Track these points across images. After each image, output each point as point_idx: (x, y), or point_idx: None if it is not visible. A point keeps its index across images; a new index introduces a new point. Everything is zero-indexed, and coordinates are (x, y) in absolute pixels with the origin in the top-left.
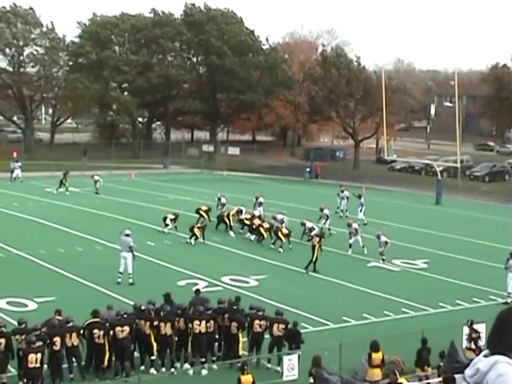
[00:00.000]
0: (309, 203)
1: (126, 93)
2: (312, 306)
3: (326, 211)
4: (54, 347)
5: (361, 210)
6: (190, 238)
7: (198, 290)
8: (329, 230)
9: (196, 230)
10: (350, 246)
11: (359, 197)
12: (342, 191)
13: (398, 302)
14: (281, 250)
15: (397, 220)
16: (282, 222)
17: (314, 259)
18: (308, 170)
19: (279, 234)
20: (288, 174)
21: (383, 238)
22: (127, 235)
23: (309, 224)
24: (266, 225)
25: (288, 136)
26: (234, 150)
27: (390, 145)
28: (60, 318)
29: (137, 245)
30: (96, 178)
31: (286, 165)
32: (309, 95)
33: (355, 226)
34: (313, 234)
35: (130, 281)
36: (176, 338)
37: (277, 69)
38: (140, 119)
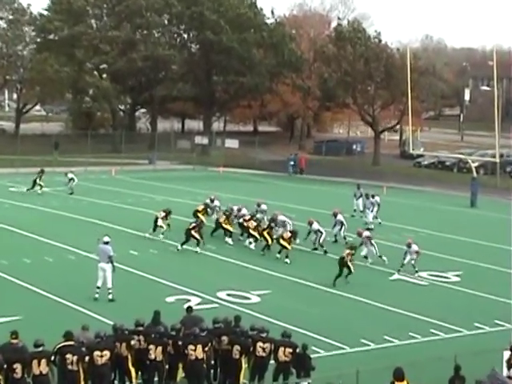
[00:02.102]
0: (299, 202)
1: (104, 76)
2: (324, 326)
3: (339, 217)
4: (15, 375)
5: (372, 211)
6: (183, 244)
7: (189, 308)
8: (344, 238)
9: (194, 233)
10: (366, 257)
11: (371, 196)
12: (359, 188)
13: (425, 322)
14: (287, 260)
15: (424, 225)
16: (283, 225)
17: (344, 273)
18: (292, 163)
19: (281, 241)
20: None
21: (414, 247)
22: (106, 243)
23: (315, 226)
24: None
25: (296, 126)
26: (231, 143)
27: (416, 136)
28: (16, 341)
29: (117, 254)
30: (70, 175)
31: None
32: (320, 78)
33: (366, 233)
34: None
35: (110, 297)
36: (167, 366)
37: (283, 47)
38: (121, 107)
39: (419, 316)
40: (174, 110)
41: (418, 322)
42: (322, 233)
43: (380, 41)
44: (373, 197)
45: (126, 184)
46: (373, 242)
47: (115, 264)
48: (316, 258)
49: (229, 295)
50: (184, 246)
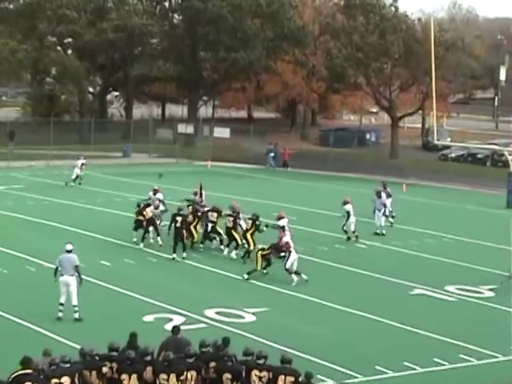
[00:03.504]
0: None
1: (69, 51)
2: (332, 350)
3: (347, 207)
4: None
5: (384, 213)
6: (174, 250)
7: (175, 328)
8: (355, 235)
9: (192, 230)
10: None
11: (378, 195)
12: (385, 187)
13: (453, 345)
14: (295, 278)
15: (450, 229)
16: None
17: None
18: (272, 155)
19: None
20: (297, 166)
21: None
22: (69, 251)
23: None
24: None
25: (298, 112)
26: (222, 132)
27: (441, 124)
28: None
29: (86, 265)
30: (80, 162)
31: (294, 152)
32: (327, 54)
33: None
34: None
35: (76, 315)
36: None
37: (282, 17)
38: (90, 89)
39: (446, 338)
40: (153, 93)
41: (444, 345)
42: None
43: (397, 9)
44: (380, 196)
45: (95, 181)
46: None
47: (83, 277)
48: (321, 268)
49: (218, 313)
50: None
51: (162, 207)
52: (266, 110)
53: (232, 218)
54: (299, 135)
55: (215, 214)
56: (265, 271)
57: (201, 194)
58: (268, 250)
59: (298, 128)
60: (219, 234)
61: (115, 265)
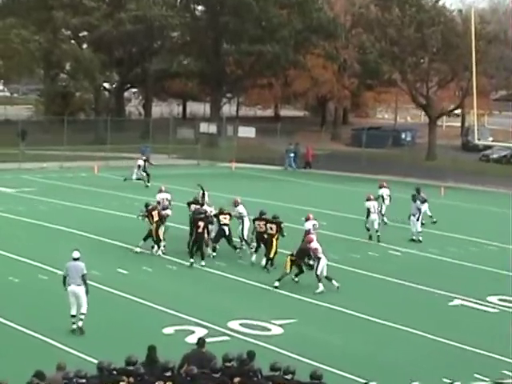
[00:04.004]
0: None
1: (85, 45)
2: (365, 364)
3: (368, 204)
4: None
5: (418, 218)
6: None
7: (200, 340)
8: (377, 235)
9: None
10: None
11: (414, 199)
12: (419, 192)
13: (495, 360)
14: (321, 286)
15: (493, 236)
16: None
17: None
18: (292, 155)
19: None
20: (327, 167)
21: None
22: (76, 259)
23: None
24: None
25: (329, 110)
26: (247, 131)
27: (482, 122)
28: None
29: (102, 273)
30: (140, 162)
31: (325, 153)
32: (360, 48)
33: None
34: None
35: (80, 324)
36: None
37: (311, 7)
38: (106, 85)
39: (487, 352)
40: (173, 90)
41: (485, 359)
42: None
43: (437, 1)
44: (415, 200)
45: (112, 184)
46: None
47: (98, 285)
48: (353, 277)
49: (243, 325)
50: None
51: (169, 211)
52: (293, 108)
53: (275, 225)
54: (330, 135)
55: (228, 217)
56: (296, 279)
57: (203, 196)
58: (296, 255)
59: (328, 127)
60: (242, 239)
61: (132, 273)
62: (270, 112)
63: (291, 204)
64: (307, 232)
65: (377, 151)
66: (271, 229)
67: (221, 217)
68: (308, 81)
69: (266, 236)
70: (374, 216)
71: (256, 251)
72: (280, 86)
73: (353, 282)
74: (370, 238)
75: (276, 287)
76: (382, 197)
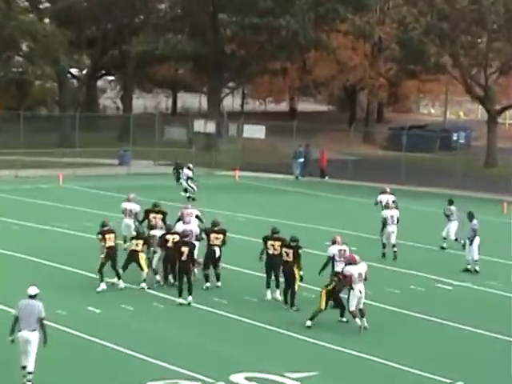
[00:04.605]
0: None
1: (47, 20)
2: None
3: (385, 213)
4: None
5: (472, 242)
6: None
7: None
8: (394, 251)
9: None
10: None
11: (470, 217)
12: (451, 203)
13: None
14: (359, 322)
15: None
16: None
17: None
18: (301, 160)
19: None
20: (356, 177)
21: None
22: (32, 297)
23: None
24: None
25: (359, 104)
26: (254, 131)
27: None
28: None
29: (67, 312)
30: (188, 172)
31: (354, 159)
32: (400, 24)
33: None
34: None
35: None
36: None
37: None
38: (74, 71)
39: None
40: (161, 78)
41: None
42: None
43: None
44: (472, 219)
45: (81, 198)
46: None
47: (65, 329)
48: (391, 317)
49: (249, 379)
50: (180, 300)
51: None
52: (314, 102)
53: (291, 251)
54: (360, 135)
55: (221, 236)
56: (344, 319)
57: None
58: (334, 283)
59: (358, 126)
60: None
61: (108, 312)
62: (283, 106)
63: (309, 223)
64: (331, 259)
65: (421, 156)
66: (287, 255)
67: (212, 236)
68: (333, 66)
69: (281, 262)
70: (391, 228)
71: (267, 284)
72: (297, 72)
73: (391, 324)
74: (384, 255)
75: (309, 327)
76: (385, 220)
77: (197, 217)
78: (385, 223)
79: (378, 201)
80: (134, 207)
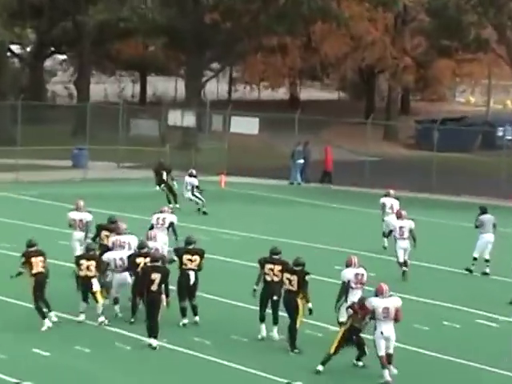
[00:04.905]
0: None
1: None
2: None
3: (393, 221)
4: None
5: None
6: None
7: None
8: (403, 269)
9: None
10: None
11: None
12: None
13: None
14: (360, 362)
15: None
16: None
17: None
18: (301, 161)
19: None
20: (373, 183)
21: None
22: None
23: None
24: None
25: (379, 90)
26: (245, 125)
27: None
28: None
29: (9, 356)
30: (192, 181)
31: (373, 160)
32: None
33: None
34: None
35: None
36: None
37: None
38: (15, 48)
39: None
40: (126, 58)
41: None
42: None
43: None
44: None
45: (23, 210)
46: None
47: (4, 377)
48: (420, 361)
49: None
50: (151, 340)
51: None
52: (321, 87)
53: (296, 277)
54: (380, 130)
55: (197, 258)
56: (360, 363)
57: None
58: (351, 319)
59: (378, 118)
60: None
61: (58, 356)
62: (282, 94)
63: (315, 242)
64: (346, 285)
65: (457, 157)
66: (290, 282)
67: (185, 257)
68: (345, 42)
69: (281, 290)
70: (403, 243)
71: (262, 318)
72: (299, 50)
73: (418, 370)
74: (404, 273)
75: (318, 372)
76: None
77: (170, 225)
78: (389, 235)
79: (382, 203)
80: (85, 217)
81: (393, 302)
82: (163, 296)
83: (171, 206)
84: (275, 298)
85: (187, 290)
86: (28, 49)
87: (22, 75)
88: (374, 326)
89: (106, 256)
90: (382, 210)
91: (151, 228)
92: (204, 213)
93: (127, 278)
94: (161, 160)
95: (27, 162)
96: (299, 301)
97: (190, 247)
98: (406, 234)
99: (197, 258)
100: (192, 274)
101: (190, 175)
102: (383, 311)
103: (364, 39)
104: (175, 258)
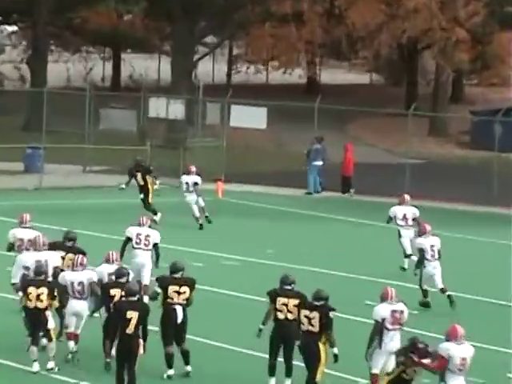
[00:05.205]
0: None
1: None
2: None
3: (421, 241)
4: None
5: None
6: None
7: None
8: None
9: None
10: None
11: None
12: None
13: None
14: None
15: None
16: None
17: None
18: (319, 162)
19: None
20: (425, 194)
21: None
22: None
23: None
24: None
25: (423, 71)
26: (248, 117)
27: None
28: None
29: None
30: (195, 179)
31: (416, 162)
32: None
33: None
34: None
35: None
36: None
37: None
38: None
39: None
40: (94, 29)
41: None
42: None
43: None
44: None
45: None
46: None
47: None
48: None
49: None
50: None
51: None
52: (348, 68)
53: (318, 314)
54: (425, 124)
55: (186, 290)
56: None
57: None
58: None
59: (422, 107)
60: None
61: None
62: (297, 76)
63: (337, 269)
64: (380, 325)
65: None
66: (310, 321)
67: (170, 288)
68: (379, 9)
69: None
70: (432, 268)
71: (271, 368)
72: (320, 18)
73: None
74: (426, 305)
75: None
76: (423, 253)
77: (154, 246)
78: (422, 258)
79: (391, 216)
80: (32, 234)
81: (469, 351)
82: (140, 340)
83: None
84: (297, 343)
85: (174, 331)
86: None
87: None
88: (442, 380)
89: (62, 277)
90: (394, 221)
91: (125, 246)
92: (200, 226)
93: (84, 307)
94: (137, 158)
95: None
96: (321, 345)
97: (177, 276)
98: (436, 255)
99: (186, 289)
100: (180, 310)
101: (188, 173)
102: (461, 362)
103: (404, 5)
104: (158, 290)
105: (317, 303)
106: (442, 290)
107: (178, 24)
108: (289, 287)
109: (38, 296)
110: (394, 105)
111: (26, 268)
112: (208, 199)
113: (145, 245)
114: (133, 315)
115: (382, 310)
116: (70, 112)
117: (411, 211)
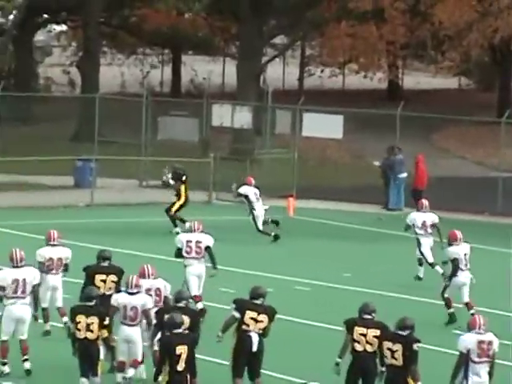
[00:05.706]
0: None
1: None
2: None
3: (453, 250)
4: None
5: None
6: None
7: None
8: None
9: None
10: None
11: None
12: None
13: None
14: None
15: None
16: None
17: None
18: (404, 175)
19: None
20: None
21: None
22: None
23: None
24: None
25: None
26: (323, 126)
27: None
28: None
29: None
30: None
31: (510, 175)
32: None
33: None
34: None
35: None
36: None
37: None
38: None
39: None
40: (152, 29)
41: None
42: None
43: None
44: None
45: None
46: None
47: None
48: None
49: None
50: None
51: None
52: (434, 71)
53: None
54: None
55: (263, 319)
56: None
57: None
58: None
59: None
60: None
61: None
62: (377, 81)
63: (422, 295)
64: (465, 357)
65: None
66: (393, 354)
67: (248, 314)
68: (469, 5)
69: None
70: (463, 278)
71: None
72: (403, 16)
73: None
74: (452, 318)
75: None
76: (456, 263)
77: (206, 249)
78: (456, 268)
79: (410, 224)
80: (65, 254)
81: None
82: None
83: (176, 230)
84: (382, 368)
85: (248, 361)
86: (10, 16)
87: (4, 54)
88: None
89: (115, 300)
90: (413, 230)
91: (179, 254)
92: (275, 237)
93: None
94: (175, 165)
95: (8, 180)
96: (410, 381)
97: (258, 302)
98: (468, 264)
99: (264, 318)
100: (255, 338)
101: (246, 184)
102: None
103: (498, 1)
104: (236, 315)
105: (400, 333)
106: (467, 306)
107: (244, 23)
108: (369, 316)
109: (87, 326)
110: (485, 112)
111: (2, 288)
112: (278, 217)
113: (196, 252)
114: (182, 349)
115: (468, 341)
116: (124, 120)
117: (431, 218)
